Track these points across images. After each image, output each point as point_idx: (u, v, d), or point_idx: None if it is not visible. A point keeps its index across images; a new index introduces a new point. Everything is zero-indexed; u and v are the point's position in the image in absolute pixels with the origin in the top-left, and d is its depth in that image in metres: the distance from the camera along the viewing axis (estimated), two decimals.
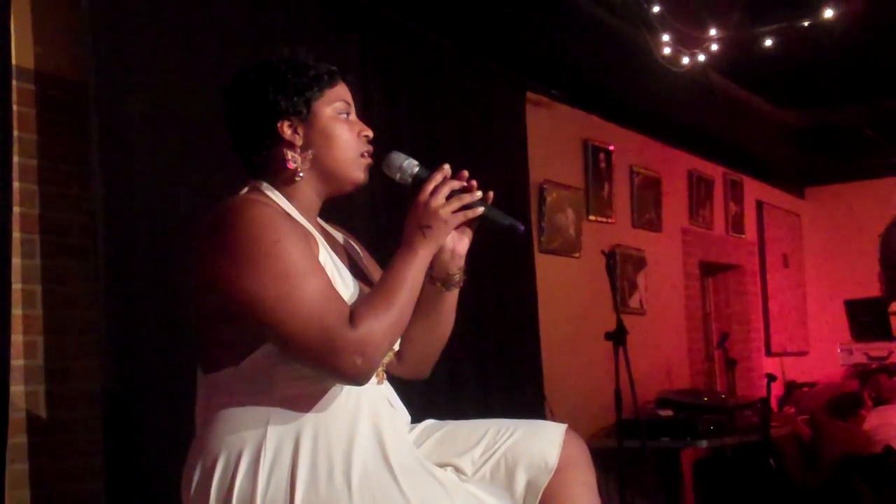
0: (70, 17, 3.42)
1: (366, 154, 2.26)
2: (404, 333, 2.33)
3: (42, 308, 3.33)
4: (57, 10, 3.44)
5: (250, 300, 2.02)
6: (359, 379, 2.05)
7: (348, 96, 2.28)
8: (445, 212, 2.16)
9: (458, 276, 2.35)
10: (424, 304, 2.34)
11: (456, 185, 2.19)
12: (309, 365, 2.05)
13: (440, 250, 2.25)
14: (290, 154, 2.20)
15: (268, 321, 2.02)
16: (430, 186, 2.17)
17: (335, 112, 2.23)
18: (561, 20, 5.29)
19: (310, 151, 2.21)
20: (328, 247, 2.22)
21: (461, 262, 2.34)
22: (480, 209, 2.21)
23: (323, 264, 2.13)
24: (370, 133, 2.28)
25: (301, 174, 2.21)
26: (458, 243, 2.32)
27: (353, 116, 2.28)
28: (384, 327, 2.04)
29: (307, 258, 2.06)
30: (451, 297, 2.39)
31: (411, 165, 2.25)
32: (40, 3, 3.38)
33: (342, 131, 2.23)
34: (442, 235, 2.18)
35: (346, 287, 2.16)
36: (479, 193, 2.20)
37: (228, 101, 2.26)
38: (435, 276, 2.33)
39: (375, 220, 4.27)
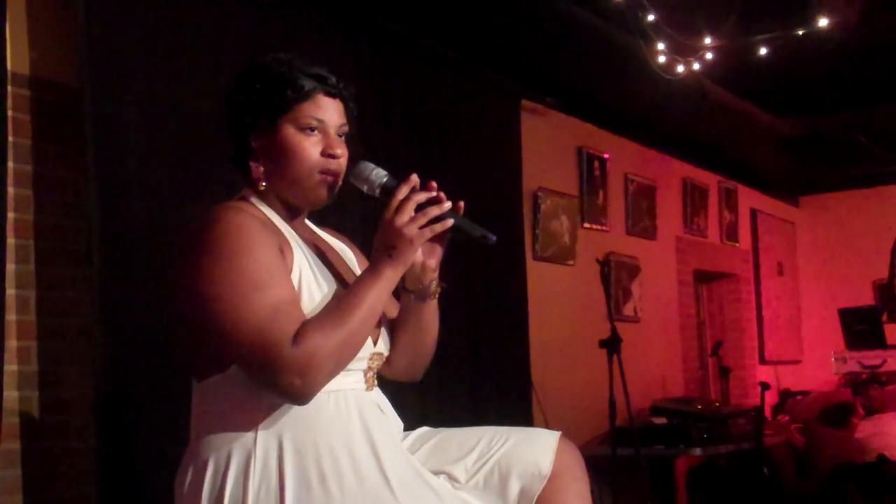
0: (65, 23, 3.42)
1: (327, 172, 2.20)
2: (392, 341, 2.34)
3: (36, 314, 3.32)
4: (52, 16, 3.44)
5: (202, 308, 2.03)
6: (298, 399, 2.02)
7: (325, 111, 2.21)
8: (411, 230, 2.09)
9: (432, 288, 2.30)
10: (405, 315, 2.34)
11: (422, 197, 2.11)
12: (252, 378, 2.04)
13: (411, 265, 2.19)
14: (252, 164, 2.21)
15: (216, 331, 2.02)
16: (395, 203, 2.11)
17: (298, 127, 2.19)
18: (556, 28, 5.29)
19: (268, 164, 2.20)
20: (309, 253, 2.21)
21: (434, 275, 2.29)
22: (450, 221, 2.13)
23: (298, 273, 2.12)
24: (337, 152, 2.20)
25: (264, 183, 2.20)
26: (429, 257, 2.26)
27: (325, 132, 2.21)
28: (330, 349, 2.00)
29: (269, 269, 2.04)
30: (430, 307, 2.34)
31: (379, 176, 2.19)
32: (36, 9, 3.38)
33: (300, 147, 2.18)
34: (409, 254, 2.11)
35: (323, 295, 2.13)
36: (448, 204, 2.13)
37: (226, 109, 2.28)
38: (408, 289, 2.30)
39: (365, 211, 4.24)
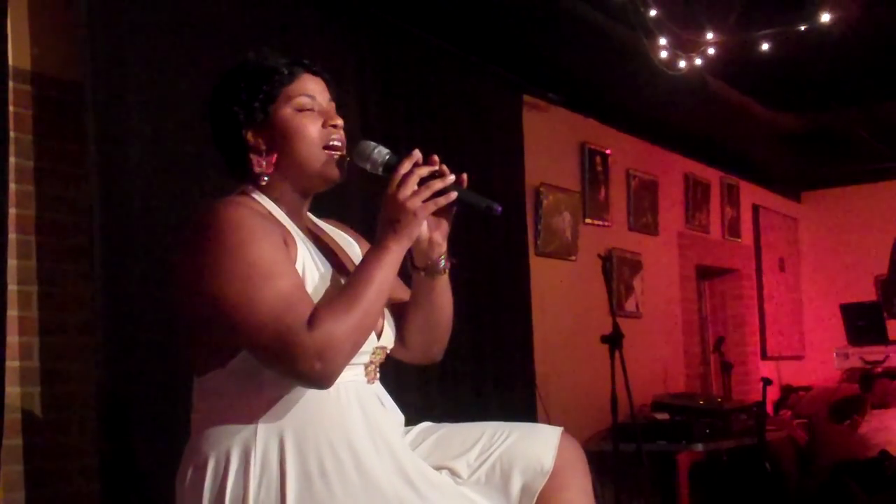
0: (67, 19, 3.42)
1: (333, 144, 2.21)
2: (405, 323, 2.35)
3: (38, 309, 3.33)
4: (54, 12, 3.44)
5: (213, 302, 2.01)
6: (320, 383, 2.01)
7: (313, 87, 2.23)
8: (414, 203, 2.09)
9: (441, 263, 2.30)
10: (417, 294, 2.34)
11: (425, 171, 2.12)
12: (271, 369, 2.03)
13: (417, 240, 2.21)
14: (254, 159, 2.20)
15: (229, 323, 2.01)
16: (398, 178, 2.11)
17: (294, 108, 2.20)
18: (558, 23, 5.29)
19: (273, 154, 2.20)
20: (312, 246, 2.20)
21: (442, 250, 2.28)
22: (454, 194, 2.13)
23: (302, 264, 2.12)
24: (338, 121, 2.22)
25: (267, 177, 2.20)
26: (436, 231, 2.26)
27: (320, 107, 2.23)
28: (345, 330, 1.99)
29: (275, 259, 2.03)
30: (442, 283, 2.33)
31: (381, 154, 2.18)
32: (37, 5, 3.38)
33: (301, 126, 2.19)
34: (413, 228, 2.11)
35: (326, 288, 2.13)
36: (451, 178, 2.13)
37: (208, 119, 2.28)
38: (418, 266, 2.30)
39: (366, 201, 4.24)
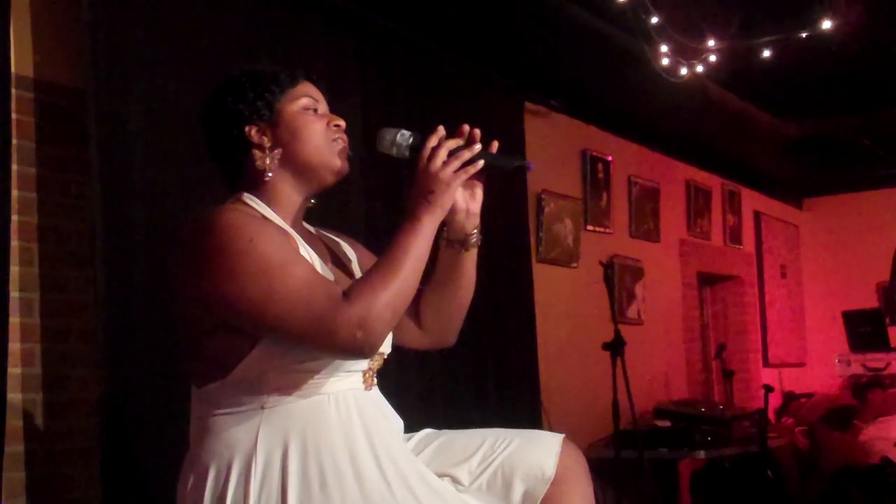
0: (69, 26, 3.42)
1: (338, 140, 2.25)
2: (424, 305, 2.37)
3: (40, 316, 3.32)
4: (56, 19, 3.44)
5: (236, 305, 2.02)
6: (363, 352, 2.04)
7: (314, 92, 2.29)
8: (446, 174, 2.13)
9: (475, 236, 2.33)
10: (444, 270, 2.36)
11: (453, 144, 2.16)
12: (313, 350, 2.05)
13: (454, 212, 2.25)
14: (258, 155, 2.21)
15: (259, 320, 2.02)
16: (427, 152, 2.15)
17: (300, 107, 2.24)
18: (559, 30, 5.29)
19: (279, 150, 2.22)
20: (310, 249, 2.21)
21: (476, 221, 2.32)
22: (482, 162, 2.18)
23: None
24: (341, 122, 2.27)
25: (270, 173, 2.21)
26: (471, 202, 2.30)
27: (322, 110, 2.28)
28: (385, 298, 2.01)
29: (284, 250, 2.06)
30: (471, 259, 2.37)
31: (405, 137, 2.22)
32: (40, 12, 3.39)
33: (307, 122, 2.23)
34: (447, 199, 2.15)
35: None
36: (478, 146, 2.18)
37: (203, 124, 2.29)
38: (452, 239, 2.32)
39: (369, 208, 4.27)
